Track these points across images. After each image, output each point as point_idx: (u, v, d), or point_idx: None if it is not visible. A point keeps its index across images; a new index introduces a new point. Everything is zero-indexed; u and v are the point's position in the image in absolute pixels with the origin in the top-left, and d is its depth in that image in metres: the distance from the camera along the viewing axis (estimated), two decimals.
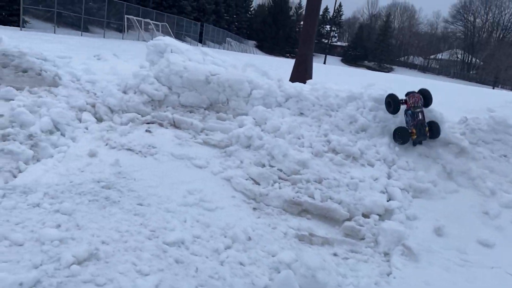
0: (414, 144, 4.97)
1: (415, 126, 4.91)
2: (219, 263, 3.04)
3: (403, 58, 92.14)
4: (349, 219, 3.90)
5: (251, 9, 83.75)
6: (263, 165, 4.47)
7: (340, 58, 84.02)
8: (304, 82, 6.33)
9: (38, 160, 4.22)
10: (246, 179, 4.27)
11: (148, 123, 5.06)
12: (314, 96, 5.18)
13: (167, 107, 5.36)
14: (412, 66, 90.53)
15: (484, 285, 3.25)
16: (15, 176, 3.90)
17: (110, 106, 5.06)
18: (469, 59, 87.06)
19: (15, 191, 3.64)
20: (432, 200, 4.24)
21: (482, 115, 5.59)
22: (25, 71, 5.14)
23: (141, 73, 5.39)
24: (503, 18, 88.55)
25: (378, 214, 4.00)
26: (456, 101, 12.39)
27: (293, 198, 4.02)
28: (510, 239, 3.92)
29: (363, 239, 3.70)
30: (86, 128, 4.83)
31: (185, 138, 4.85)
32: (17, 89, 4.99)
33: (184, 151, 4.59)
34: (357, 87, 5.92)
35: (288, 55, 77.80)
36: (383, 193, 4.23)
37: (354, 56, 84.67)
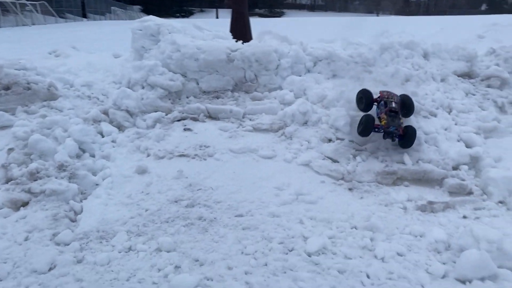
0: (385, 137, 3.87)
1: (386, 113, 3.89)
2: (379, 260, 2.72)
3: (290, 0, 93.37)
4: (445, 177, 3.74)
5: None
6: (330, 140, 4.10)
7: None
8: (247, 41, 5.45)
9: (83, 194, 3.42)
10: (323, 159, 3.89)
11: (178, 120, 4.34)
12: (347, 54, 4.80)
13: (187, 97, 4.63)
14: (300, 7, 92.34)
15: None
16: (73, 221, 3.12)
17: (129, 109, 4.22)
18: None
19: (91, 240, 2.92)
20: (504, 137, 4.22)
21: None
22: (7, 87, 4.05)
23: (146, 63, 4.53)
24: None
25: (465, 164, 3.90)
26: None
27: (385, 168, 3.75)
28: None
29: (471, 193, 3.58)
30: (114, 141, 4.02)
31: (232, 129, 4.26)
32: (6, 112, 3.95)
33: (241, 144, 4.04)
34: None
35: (178, 15, 75.18)
36: (459, 141, 4.12)
37: None
